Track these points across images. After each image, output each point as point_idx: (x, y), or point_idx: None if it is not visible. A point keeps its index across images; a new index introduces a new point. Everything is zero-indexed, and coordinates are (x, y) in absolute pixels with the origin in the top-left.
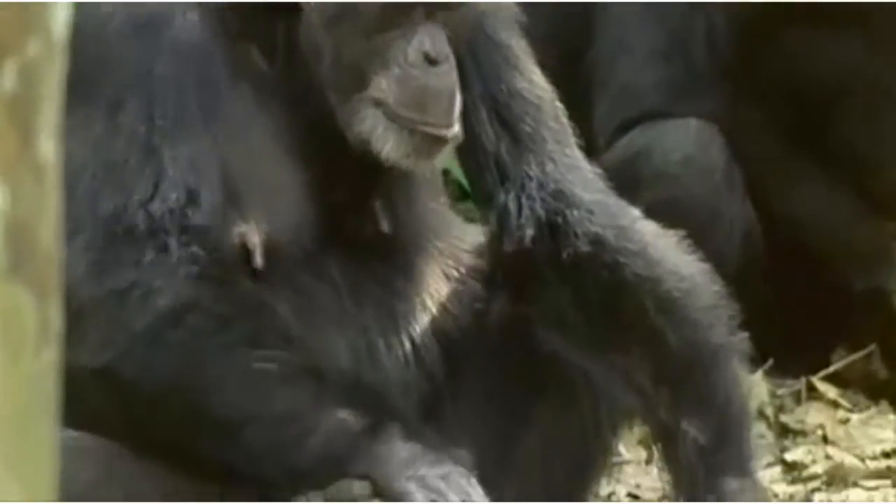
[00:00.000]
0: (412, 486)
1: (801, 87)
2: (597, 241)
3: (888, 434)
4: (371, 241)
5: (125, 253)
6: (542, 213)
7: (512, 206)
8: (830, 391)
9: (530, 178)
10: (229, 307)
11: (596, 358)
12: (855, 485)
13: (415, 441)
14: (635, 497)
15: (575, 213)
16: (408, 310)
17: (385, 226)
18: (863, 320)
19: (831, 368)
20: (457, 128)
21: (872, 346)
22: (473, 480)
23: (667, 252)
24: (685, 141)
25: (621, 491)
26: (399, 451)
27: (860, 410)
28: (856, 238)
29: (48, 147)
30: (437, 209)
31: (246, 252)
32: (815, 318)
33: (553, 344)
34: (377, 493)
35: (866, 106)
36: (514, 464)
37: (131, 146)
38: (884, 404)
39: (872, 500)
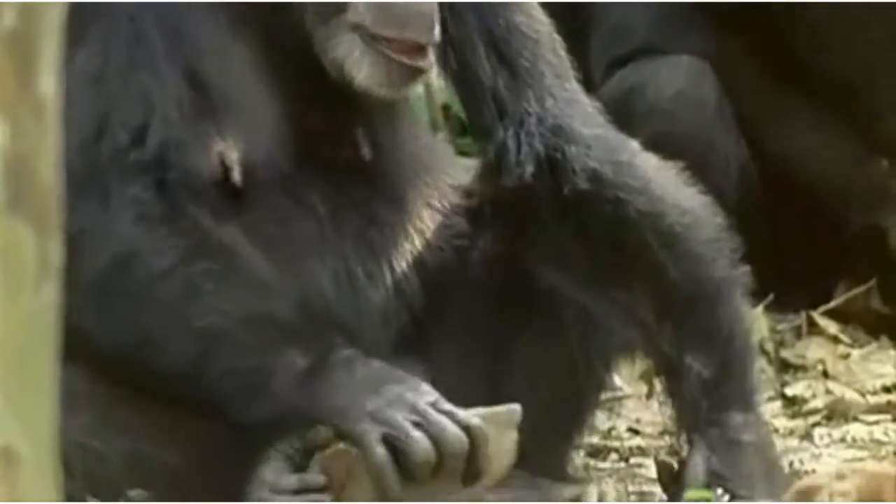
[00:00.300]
0: (367, 426)
1: (792, 26)
2: (597, 177)
3: (888, 369)
4: (352, 168)
5: (69, 200)
6: (541, 148)
7: (511, 142)
8: (831, 326)
9: (529, 113)
10: (175, 251)
11: (597, 293)
12: (855, 419)
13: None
14: (636, 431)
15: (574, 148)
16: (389, 239)
17: (366, 152)
18: (861, 257)
19: (832, 304)
20: (432, 58)
21: (872, 282)
22: (432, 396)
23: (668, 186)
24: (677, 77)
25: (621, 426)
26: (354, 385)
27: (860, 346)
28: (852, 176)
29: (48, 83)
30: (425, 140)
31: (225, 170)
32: (814, 254)
33: (552, 280)
34: (340, 437)
35: (861, 46)
36: (500, 399)
37: (81, 85)
38: (884, 339)
39: (873, 435)
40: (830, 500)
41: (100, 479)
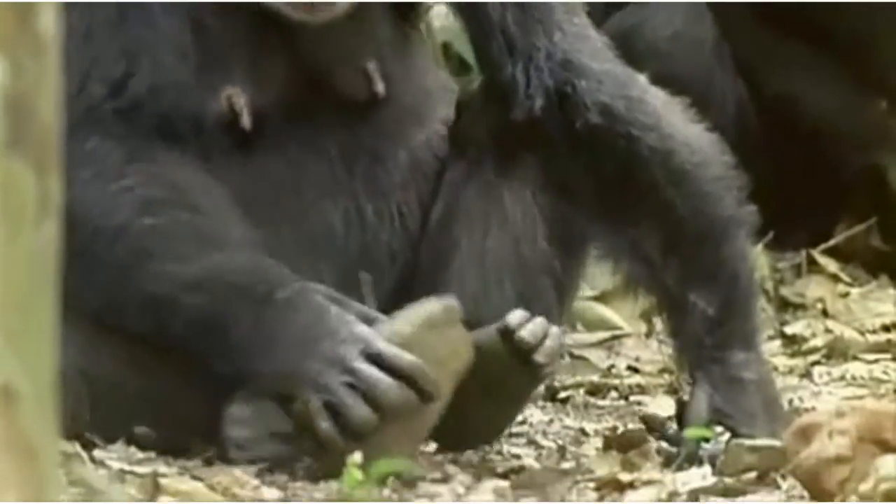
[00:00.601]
0: (308, 395)
1: None
2: (607, 112)
3: (888, 308)
4: (364, 105)
5: None
6: (551, 82)
7: (520, 75)
8: (831, 265)
9: (538, 47)
10: (125, 209)
11: (604, 227)
12: (855, 358)
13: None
14: (635, 370)
15: (585, 82)
16: (396, 176)
17: (380, 88)
18: (861, 196)
19: (831, 242)
20: None
21: (871, 221)
22: (361, 340)
23: (678, 123)
24: (675, 17)
25: (621, 364)
26: (293, 343)
27: (860, 284)
28: (850, 116)
29: (47, 21)
30: (436, 75)
31: (233, 114)
32: (814, 193)
33: (560, 212)
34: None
35: None
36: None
37: (70, 45)
38: (883, 278)
39: (872, 373)
40: (830, 438)
41: (101, 416)
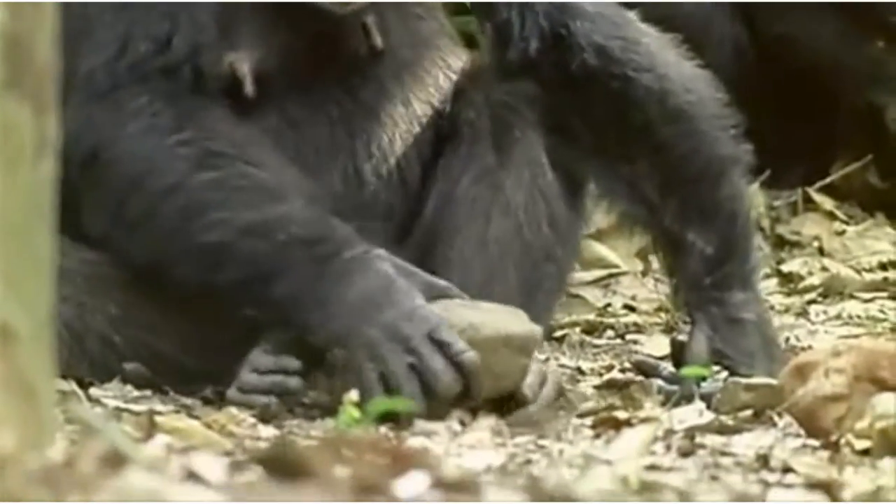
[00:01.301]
0: (364, 362)
1: None
2: (603, 53)
3: (884, 246)
4: (364, 60)
5: (94, 116)
6: (546, 24)
7: (515, 17)
8: (827, 203)
9: None
10: (182, 163)
11: (602, 167)
12: (851, 296)
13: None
14: (632, 308)
15: (580, 23)
16: (397, 131)
17: (378, 42)
18: (857, 135)
19: (828, 180)
20: None
21: (868, 158)
22: (430, 322)
23: (673, 63)
24: None
25: (617, 302)
26: (354, 305)
27: (857, 222)
28: (847, 55)
29: None
30: (434, 22)
31: (236, 81)
32: (811, 131)
33: (558, 153)
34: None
35: None
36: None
37: (104, 10)
38: (880, 216)
39: (868, 312)
40: (826, 376)
41: (97, 356)
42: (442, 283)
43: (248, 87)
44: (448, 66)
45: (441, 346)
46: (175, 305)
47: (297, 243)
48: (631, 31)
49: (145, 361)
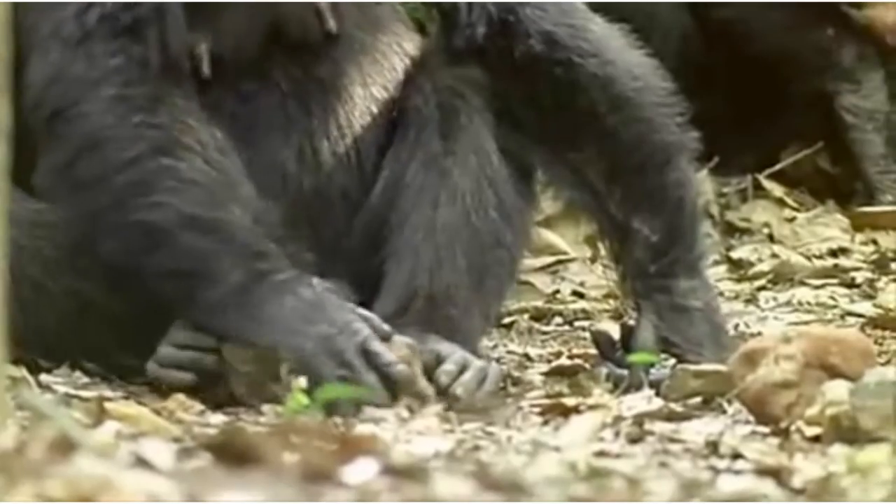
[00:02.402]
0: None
1: None
2: (550, 40)
3: (834, 233)
4: (318, 43)
5: (65, 67)
6: (493, 10)
7: (463, 5)
8: (777, 189)
9: None
10: (143, 144)
11: (549, 154)
12: (801, 283)
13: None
14: (580, 295)
15: (527, 10)
16: (353, 113)
17: (332, 25)
18: (807, 122)
19: (777, 166)
20: None
21: (819, 145)
22: (361, 333)
23: (619, 50)
24: None
25: (566, 289)
26: (283, 319)
27: (807, 209)
28: (797, 42)
29: None
30: (387, 6)
31: (193, 61)
32: (760, 118)
33: (505, 140)
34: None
35: None
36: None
37: None
38: (830, 203)
39: (818, 298)
40: (776, 363)
41: (48, 339)
42: (385, 327)
43: (205, 69)
44: (404, 51)
45: (372, 358)
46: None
47: (236, 252)
48: (578, 18)
49: (74, 310)
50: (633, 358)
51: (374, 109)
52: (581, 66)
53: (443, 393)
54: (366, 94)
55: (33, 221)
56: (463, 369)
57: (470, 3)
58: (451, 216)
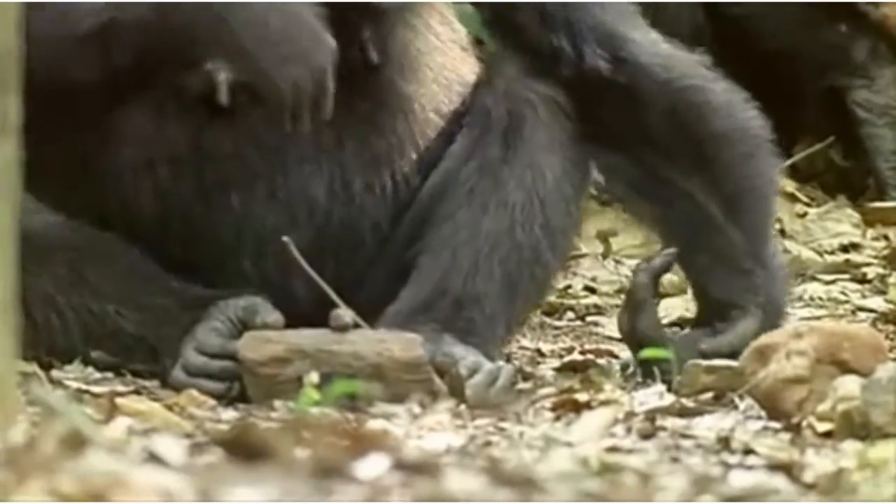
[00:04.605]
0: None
1: None
2: (653, 74)
3: (846, 228)
4: (358, 75)
5: None
6: (601, 50)
7: (566, 44)
8: (789, 185)
9: (582, 18)
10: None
11: (649, 177)
12: (813, 278)
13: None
14: (592, 290)
15: (633, 47)
16: (392, 146)
17: (373, 56)
18: (819, 118)
19: (789, 161)
20: None
21: (830, 139)
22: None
23: (706, 77)
24: None
25: (578, 284)
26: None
27: (818, 204)
28: (810, 38)
29: None
30: (436, 40)
31: (211, 89)
32: (772, 113)
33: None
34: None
35: None
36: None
37: None
38: (841, 199)
39: (830, 294)
40: (787, 358)
41: (61, 338)
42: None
43: (223, 96)
44: (458, 77)
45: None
46: (121, 270)
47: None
48: (667, 50)
49: (86, 324)
50: (645, 353)
51: (413, 141)
52: (677, 92)
53: (455, 394)
54: (404, 127)
55: (46, 236)
56: (474, 372)
57: (575, 43)
58: (497, 225)
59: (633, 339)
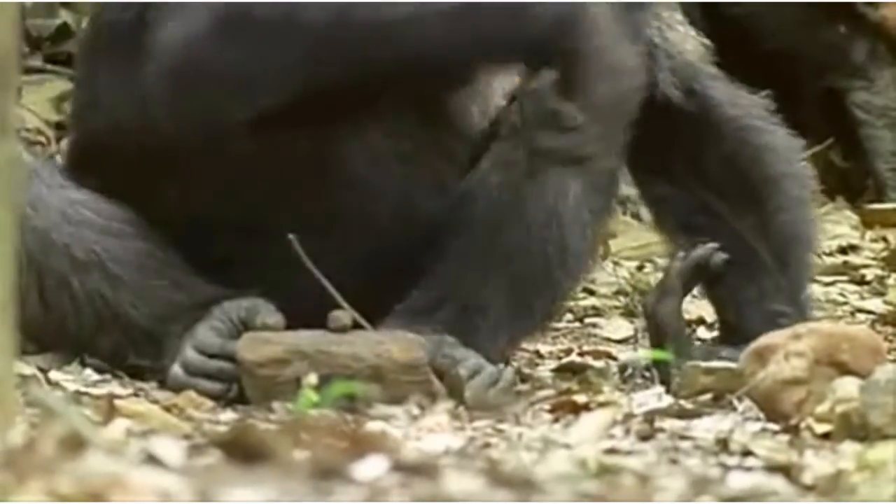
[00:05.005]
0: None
1: None
2: (717, 107)
3: (844, 230)
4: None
5: None
6: (677, 80)
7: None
8: None
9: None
10: None
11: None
12: (811, 280)
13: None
14: (590, 292)
15: (706, 81)
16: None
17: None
18: (818, 119)
19: None
20: None
21: (830, 141)
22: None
23: (764, 118)
24: None
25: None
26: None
27: (817, 206)
28: (809, 39)
29: None
30: None
31: None
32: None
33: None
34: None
35: None
36: None
37: None
38: (840, 201)
39: (829, 295)
40: (786, 360)
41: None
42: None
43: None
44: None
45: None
46: (140, 258)
47: None
48: (734, 91)
49: (98, 311)
50: (643, 354)
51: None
52: (747, 136)
53: (454, 396)
54: (457, 143)
55: (66, 214)
56: (476, 374)
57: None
58: (513, 241)
59: (652, 323)
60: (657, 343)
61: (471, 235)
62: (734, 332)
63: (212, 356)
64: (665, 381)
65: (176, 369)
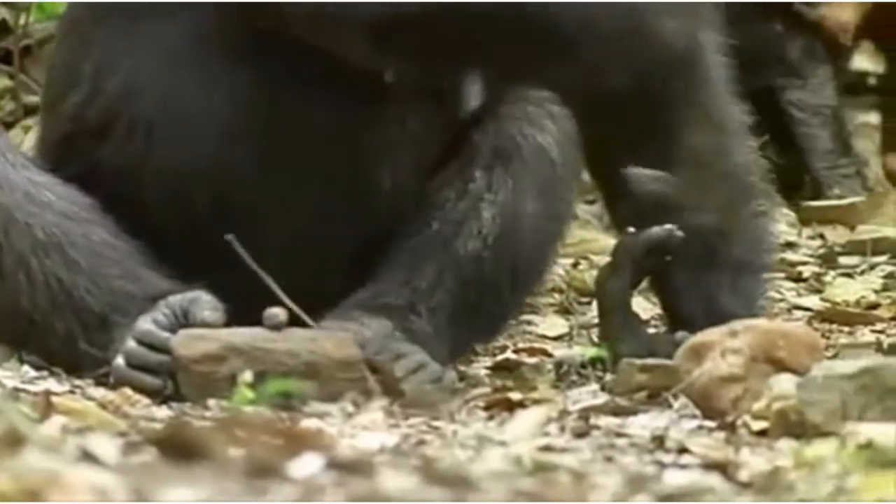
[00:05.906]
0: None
1: None
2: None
3: (781, 227)
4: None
5: None
6: None
7: None
8: None
9: None
10: None
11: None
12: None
13: None
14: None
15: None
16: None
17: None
18: (754, 116)
19: None
20: None
21: (765, 137)
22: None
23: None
24: None
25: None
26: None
27: None
28: (741, 36)
29: None
30: None
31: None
32: None
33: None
34: None
35: None
36: None
37: None
38: (777, 198)
39: None
40: (722, 356)
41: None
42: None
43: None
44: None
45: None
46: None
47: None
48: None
49: (53, 294)
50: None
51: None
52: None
53: (392, 389)
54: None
55: (29, 195)
56: (418, 369)
57: None
58: (468, 249)
59: (600, 296)
60: (604, 322)
61: (427, 236)
62: (680, 326)
63: (151, 348)
64: (608, 370)
65: (119, 361)
